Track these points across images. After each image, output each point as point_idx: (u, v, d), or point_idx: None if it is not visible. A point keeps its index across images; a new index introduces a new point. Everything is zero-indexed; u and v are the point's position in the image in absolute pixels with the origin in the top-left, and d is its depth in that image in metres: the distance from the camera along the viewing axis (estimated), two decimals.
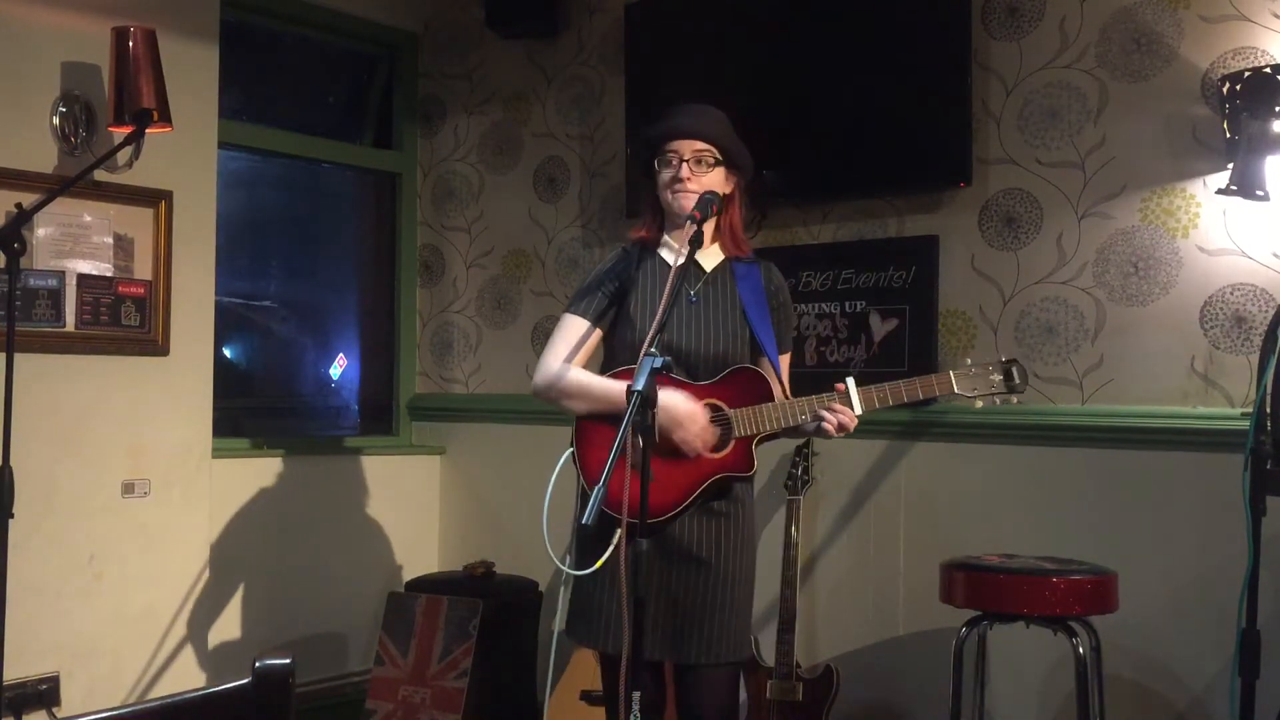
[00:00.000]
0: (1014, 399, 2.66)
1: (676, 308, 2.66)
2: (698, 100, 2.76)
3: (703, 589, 2.62)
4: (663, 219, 2.75)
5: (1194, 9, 3.13)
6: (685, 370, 2.65)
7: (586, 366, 2.72)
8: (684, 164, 2.63)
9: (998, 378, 2.63)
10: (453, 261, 4.82)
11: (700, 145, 2.65)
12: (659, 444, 2.53)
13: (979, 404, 2.66)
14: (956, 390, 2.62)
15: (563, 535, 2.68)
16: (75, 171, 3.32)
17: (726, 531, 2.65)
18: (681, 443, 2.56)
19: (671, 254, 2.71)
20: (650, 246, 2.76)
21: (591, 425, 2.66)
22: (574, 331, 2.71)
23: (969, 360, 2.67)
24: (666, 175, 2.66)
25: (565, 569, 2.55)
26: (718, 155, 2.66)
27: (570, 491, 2.74)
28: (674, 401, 2.54)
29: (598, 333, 2.73)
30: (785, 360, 2.79)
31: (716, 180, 2.66)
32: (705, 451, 2.58)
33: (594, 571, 2.54)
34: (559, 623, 2.75)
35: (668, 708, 2.87)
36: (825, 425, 2.57)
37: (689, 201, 2.62)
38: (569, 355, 2.69)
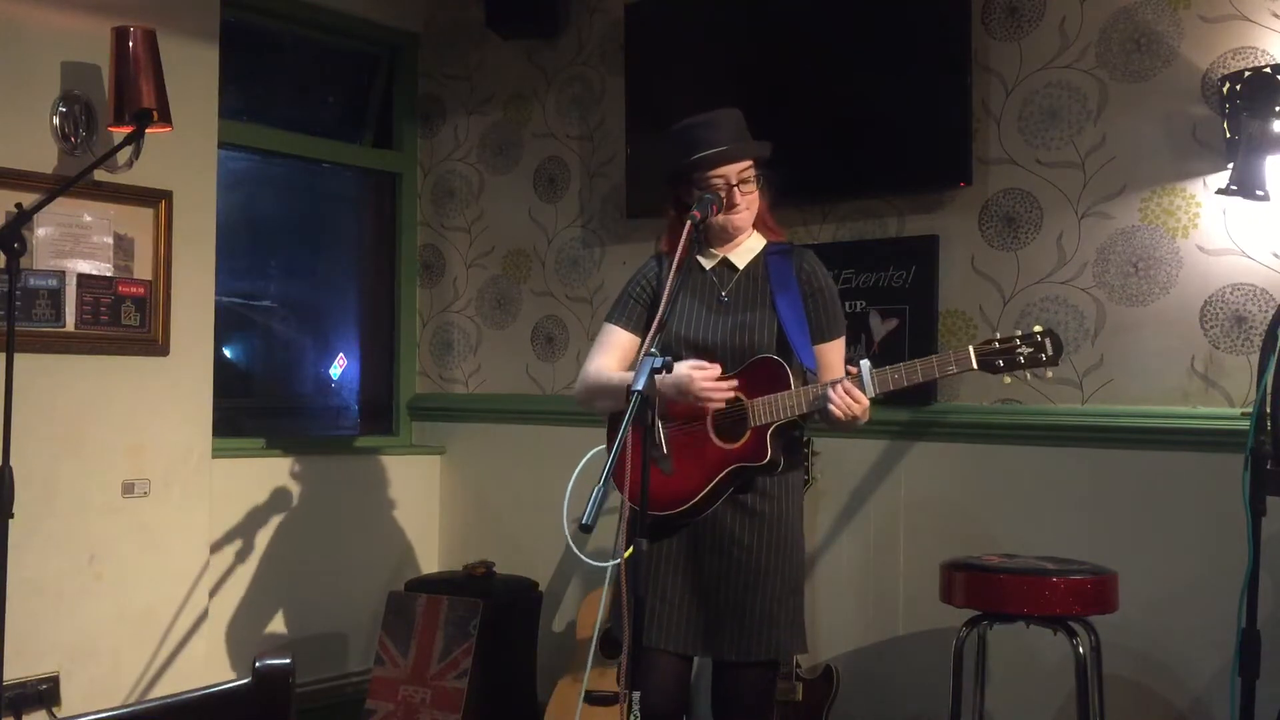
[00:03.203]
0: (1048, 373, 2.51)
1: (706, 306, 2.69)
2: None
3: (733, 585, 2.61)
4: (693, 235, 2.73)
5: (1194, 9, 3.13)
6: None
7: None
8: (734, 189, 2.63)
9: (1027, 350, 2.44)
10: (453, 261, 4.82)
11: (744, 165, 2.65)
12: (681, 434, 2.56)
13: (1007, 380, 2.49)
14: (977, 367, 2.45)
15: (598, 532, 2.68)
16: (75, 171, 3.31)
17: (757, 527, 2.63)
18: (697, 400, 2.53)
19: (708, 259, 2.74)
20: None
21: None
22: (609, 339, 2.77)
23: (996, 334, 2.53)
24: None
25: (598, 562, 2.53)
26: (756, 168, 2.68)
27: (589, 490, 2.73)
28: (675, 375, 2.52)
29: (635, 339, 2.75)
30: (833, 346, 2.71)
31: (756, 187, 2.68)
32: (721, 400, 2.54)
33: (617, 565, 2.52)
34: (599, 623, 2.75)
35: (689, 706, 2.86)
36: (832, 409, 2.49)
37: (745, 219, 2.68)
38: (603, 362, 2.74)
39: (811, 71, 3.70)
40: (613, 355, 2.75)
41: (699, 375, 2.53)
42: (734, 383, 2.56)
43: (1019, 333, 2.46)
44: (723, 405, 2.57)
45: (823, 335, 2.69)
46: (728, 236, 2.71)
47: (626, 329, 2.76)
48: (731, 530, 2.63)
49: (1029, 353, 2.43)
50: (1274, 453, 2.45)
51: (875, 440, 3.62)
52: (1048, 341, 2.43)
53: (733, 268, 2.73)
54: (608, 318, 2.80)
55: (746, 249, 2.74)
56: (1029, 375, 2.46)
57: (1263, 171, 2.82)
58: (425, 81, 4.90)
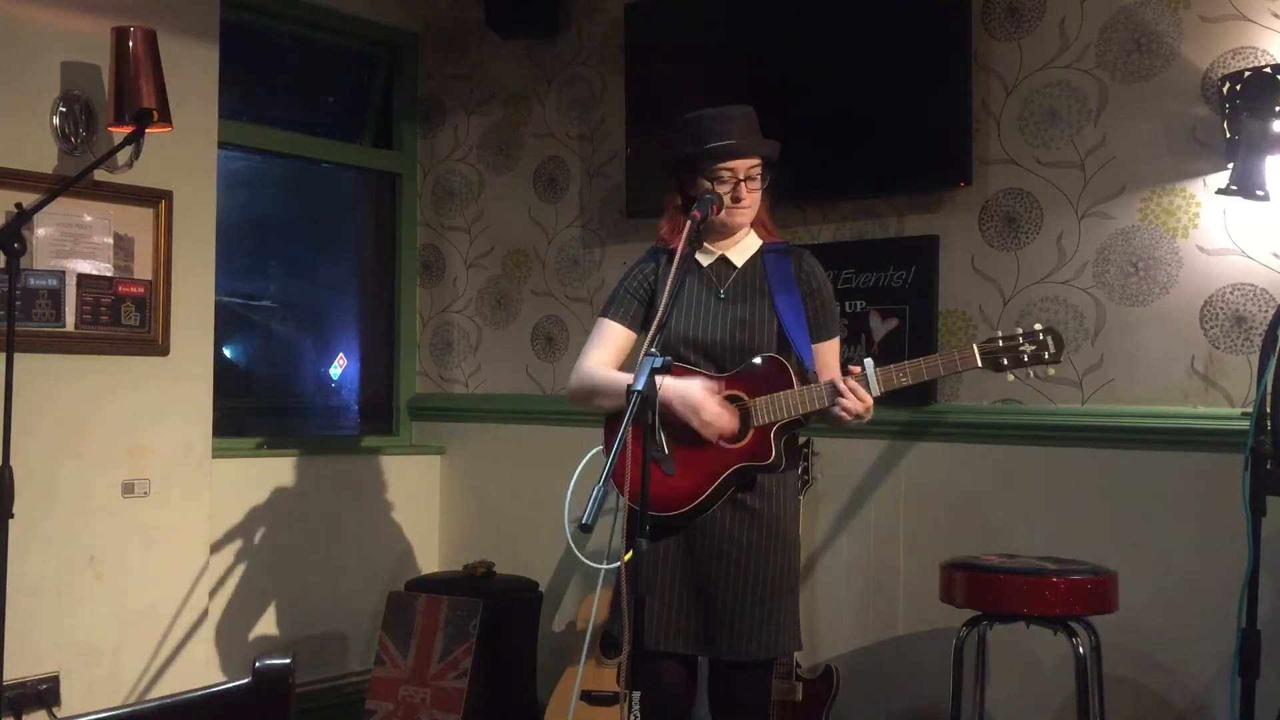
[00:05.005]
0: (1049, 370, 2.53)
1: (705, 304, 2.68)
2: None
3: (731, 585, 2.61)
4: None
5: (1194, 9, 3.13)
6: (714, 364, 2.65)
7: (622, 368, 2.73)
8: (740, 184, 2.62)
9: (1030, 348, 2.47)
10: (453, 261, 4.82)
11: (753, 161, 2.64)
12: (682, 433, 2.55)
13: (1010, 377, 2.52)
14: (981, 365, 2.48)
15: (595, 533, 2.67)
16: (75, 171, 3.31)
17: (756, 527, 2.63)
18: (701, 427, 2.54)
19: (706, 256, 2.72)
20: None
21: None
22: (606, 335, 2.74)
23: (998, 332, 2.53)
24: (722, 194, 2.61)
25: (604, 564, 2.52)
26: (763, 168, 2.67)
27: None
28: (687, 388, 2.55)
29: (632, 335, 2.75)
30: (830, 346, 2.74)
31: (760, 186, 2.66)
32: (724, 434, 2.56)
33: (618, 567, 2.51)
34: (593, 617, 2.73)
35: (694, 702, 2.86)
36: (839, 411, 2.52)
37: (746, 217, 2.67)
38: (600, 358, 2.72)
39: (811, 71, 3.70)
40: (609, 351, 2.73)
41: (714, 407, 2.54)
42: (735, 422, 2.56)
43: (1021, 331, 2.50)
44: (716, 440, 2.56)
45: (821, 334, 2.72)
46: (727, 233, 2.71)
47: (624, 325, 2.74)
48: (729, 530, 2.62)
49: (1032, 350, 2.47)
50: (1274, 453, 2.45)
51: (875, 440, 3.62)
52: (1049, 339, 2.47)
53: (730, 265, 2.72)
54: (604, 313, 2.78)
55: (744, 247, 2.74)
56: (1031, 374, 2.48)
57: (1263, 171, 2.82)
58: (425, 81, 4.90)
